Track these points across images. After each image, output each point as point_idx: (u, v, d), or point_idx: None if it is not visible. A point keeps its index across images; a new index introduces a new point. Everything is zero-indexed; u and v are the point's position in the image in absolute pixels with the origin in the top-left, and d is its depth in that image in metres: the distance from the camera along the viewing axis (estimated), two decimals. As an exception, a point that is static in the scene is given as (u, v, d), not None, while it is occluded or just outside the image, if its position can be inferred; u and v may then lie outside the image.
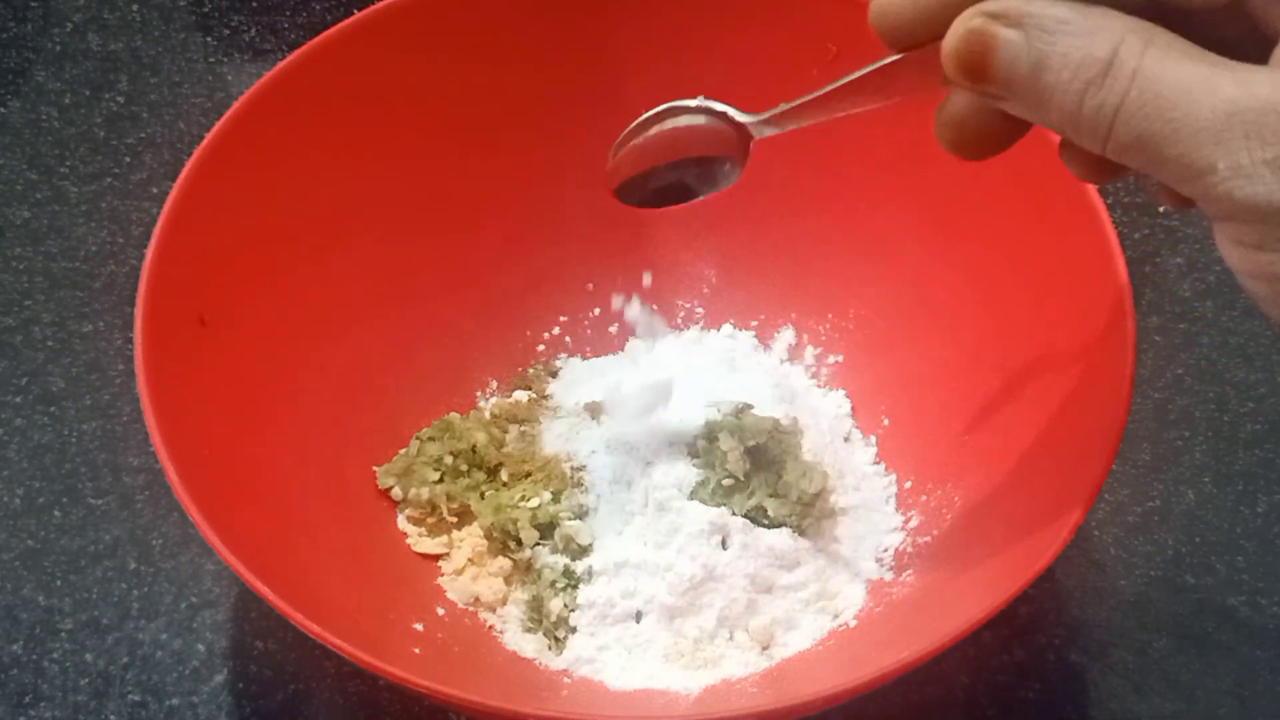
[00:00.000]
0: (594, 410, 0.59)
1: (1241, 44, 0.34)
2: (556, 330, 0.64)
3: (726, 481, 0.54)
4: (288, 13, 0.78)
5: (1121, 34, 0.32)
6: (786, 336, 0.63)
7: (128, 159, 0.72)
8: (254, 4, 0.79)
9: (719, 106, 0.45)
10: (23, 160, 0.72)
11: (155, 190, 0.70)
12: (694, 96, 0.46)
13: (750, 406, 0.57)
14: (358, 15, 0.56)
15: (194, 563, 0.58)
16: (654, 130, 0.46)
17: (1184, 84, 0.32)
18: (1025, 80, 0.33)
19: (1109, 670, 0.55)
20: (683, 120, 0.46)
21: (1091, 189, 0.50)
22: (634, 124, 0.47)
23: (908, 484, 0.57)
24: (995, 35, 0.33)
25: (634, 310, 0.61)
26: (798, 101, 0.42)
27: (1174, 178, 0.33)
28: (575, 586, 0.54)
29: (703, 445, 0.55)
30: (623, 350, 0.64)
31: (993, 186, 0.54)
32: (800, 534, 0.54)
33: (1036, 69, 0.33)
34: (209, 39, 0.77)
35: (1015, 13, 0.33)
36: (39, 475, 0.60)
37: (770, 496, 0.54)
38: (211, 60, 0.76)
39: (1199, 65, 0.32)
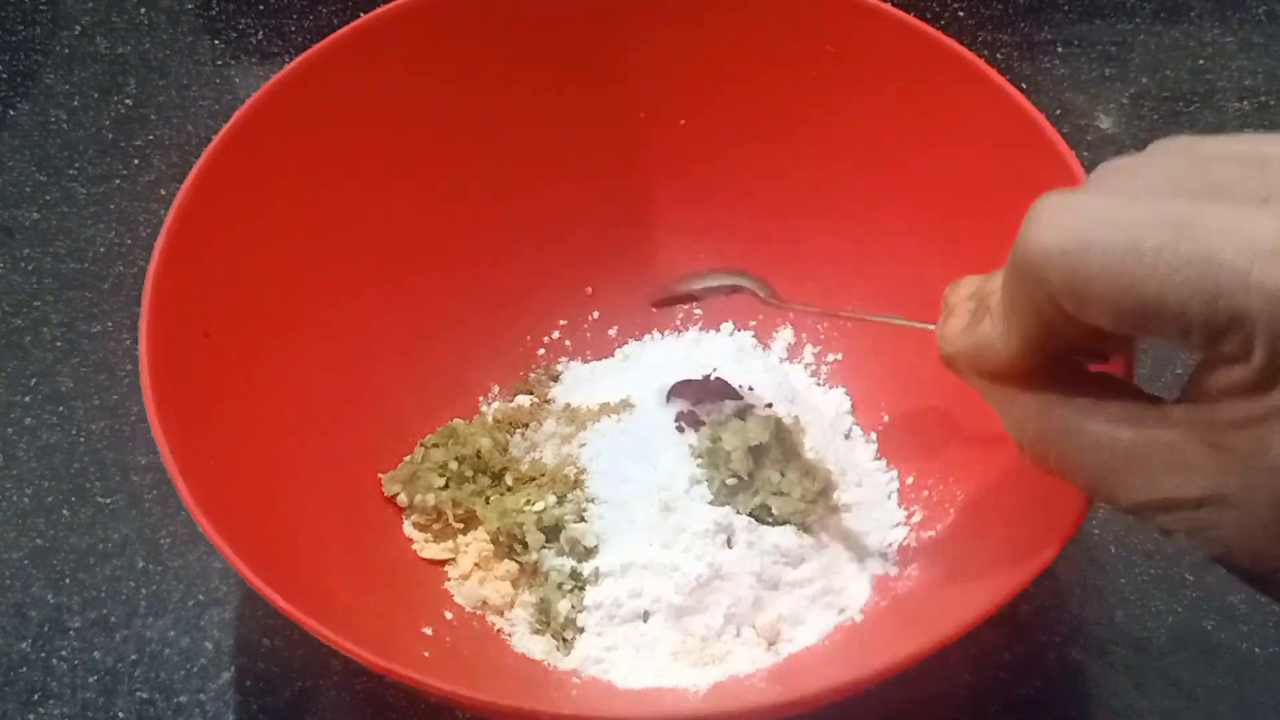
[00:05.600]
0: (597, 413, 0.59)
1: None
2: (556, 334, 0.64)
3: (730, 481, 0.54)
4: (295, 16, 0.79)
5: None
6: (785, 336, 0.64)
7: (136, 161, 0.72)
8: (261, 7, 0.79)
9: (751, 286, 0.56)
10: (32, 162, 0.72)
11: (163, 192, 0.70)
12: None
13: (752, 406, 0.57)
14: (364, 19, 0.56)
15: (201, 561, 0.58)
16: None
17: None
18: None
19: (1109, 667, 0.55)
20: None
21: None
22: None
23: (909, 479, 0.58)
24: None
25: None
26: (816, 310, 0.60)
27: None
28: (582, 588, 0.54)
29: (706, 445, 0.56)
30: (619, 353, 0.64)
31: (992, 185, 0.55)
32: (804, 531, 0.55)
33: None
34: (217, 42, 0.78)
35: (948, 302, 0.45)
36: (48, 474, 0.61)
37: (774, 494, 0.54)
38: (219, 63, 0.77)
39: None
